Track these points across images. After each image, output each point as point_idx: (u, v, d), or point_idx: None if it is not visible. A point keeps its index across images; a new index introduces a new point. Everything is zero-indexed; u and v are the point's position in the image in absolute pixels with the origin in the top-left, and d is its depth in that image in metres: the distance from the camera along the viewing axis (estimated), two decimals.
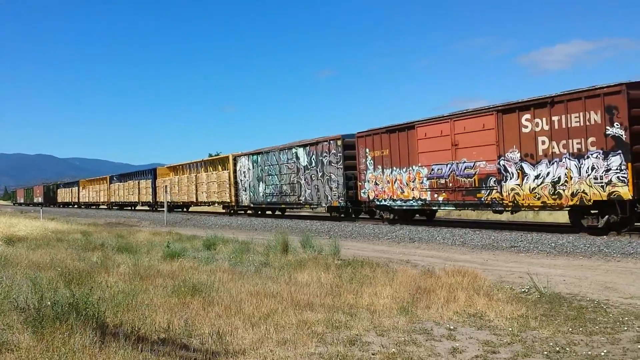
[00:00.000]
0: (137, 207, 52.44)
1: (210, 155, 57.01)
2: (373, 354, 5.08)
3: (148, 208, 47.81)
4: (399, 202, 19.97)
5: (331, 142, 23.85)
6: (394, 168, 20.07)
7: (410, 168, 19.25)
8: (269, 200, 29.20)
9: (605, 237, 13.55)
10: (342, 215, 24.63)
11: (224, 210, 36.79)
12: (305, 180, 25.71)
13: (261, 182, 29.78)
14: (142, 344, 5.01)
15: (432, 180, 18.30)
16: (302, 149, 26.18)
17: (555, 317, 6.37)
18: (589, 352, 5.05)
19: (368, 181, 21.55)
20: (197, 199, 38.25)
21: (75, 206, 71.13)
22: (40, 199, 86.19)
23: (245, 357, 5.02)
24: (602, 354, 5.00)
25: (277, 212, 32.56)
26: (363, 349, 5.25)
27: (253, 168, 30.75)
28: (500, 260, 11.84)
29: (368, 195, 21.60)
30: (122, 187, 53.82)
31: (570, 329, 5.85)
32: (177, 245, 13.81)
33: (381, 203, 20.96)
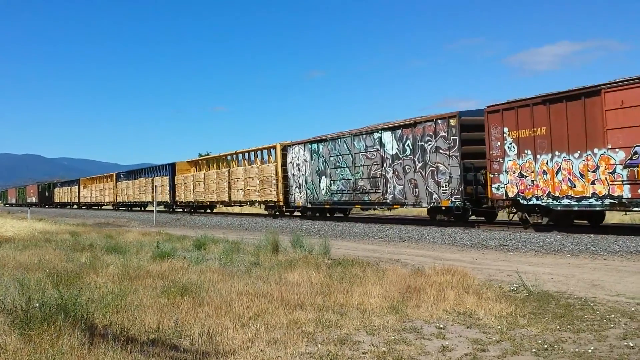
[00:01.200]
0: (148, 208, 47.16)
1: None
2: (363, 353, 5.09)
3: (164, 209, 42.22)
4: (565, 201, 14.49)
5: (439, 122, 18.10)
6: (557, 153, 14.58)
7: (589, 152, 13.80)
8: (336, 199, 23.29)
9: (592, 235, 13.66)
10: (452, 219, 18.91)
11: (266, 212, 30.54)
12: (394, 172, 19.88)
13: (324, 177, 24.00)
14: (132, 344, 4.99)
15: (635, 170, 12.97)
16: (389, 133, 20.16)
17: (544, 315, 6.43)
18: (577, 349, 5.10)
19: (506, 172, 15.99)
20: (230, 197, 32.50)
21: (75, 207, 66.19)
22: (34, 199, 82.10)
23: (235, 357, 5.01)
24: (590, 351, 5.05)
25: (338, 214, 26.42)
26: (353, 348, 5.27)
27: (312, 159, 24.87)
28: (489, 259, 11.92)
29: (505, 192, 16.02)
30: (132, 185, 48.10)
31: (558, 327, 5.90)
32: (167, 245, 13.75)
33: (530, 202, 15.45)
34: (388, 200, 20.26)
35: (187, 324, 6.02)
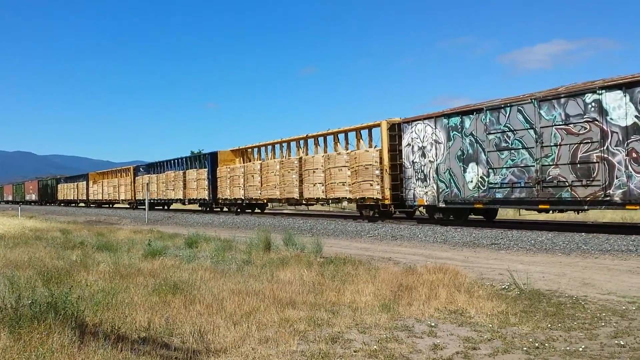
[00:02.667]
0: (174, 206, 41.42)
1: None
2: (355, 351, 5.09)
3: (200, 207, 35.96)
4: None
5: None
6: None
7: None
8: (499, 195, 16.13)
9: (583, 234, 13.72)
10: None
11: (358, 213, 23.34)
12: (629, 154, 12.96)
13: (472, 164, 17.01)
14: (122, 343, 4.95)
15: None
16: (618, 93, 13.16)
17: (535, 313, 6.45)
18: (568, 348, 5.12)
19: None
20: (301, 194, 25.01)
21: (82, 205, 59.64)
22: (34, 196, 74.83)
23: (226, 355, 5.00)
24: (580, 349, 5.07)
25: (473, 216, 19.77)
26: (345, 346, 5.26)
27: (450, 140, 17.83)
28: (481, 257, 11.96)
29: None
30: (155, 180, 40.58)
31: (549, 325, 5.93)
32: (159, 243, 13.70)
33: None
34: (615, 198, 13.25)
35: (179, 322, 5.99)
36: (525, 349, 5.12)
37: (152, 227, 24.41)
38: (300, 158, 25.43)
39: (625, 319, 6.18)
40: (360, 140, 22.53)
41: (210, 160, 33.28)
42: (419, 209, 20.31)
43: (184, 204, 37.17)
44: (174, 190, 37.57)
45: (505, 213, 24.59)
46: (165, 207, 42.39)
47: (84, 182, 57.65)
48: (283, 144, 27.77)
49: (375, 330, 5.80)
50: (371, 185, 20.75)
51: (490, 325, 5.93)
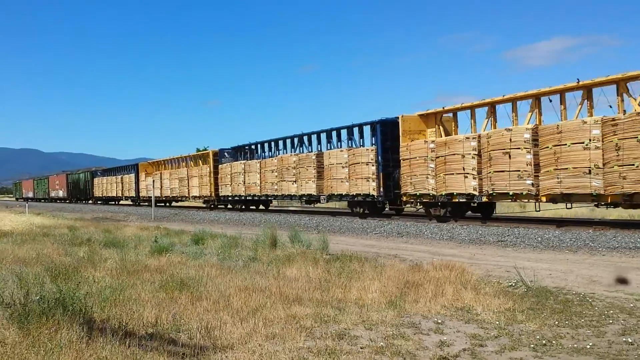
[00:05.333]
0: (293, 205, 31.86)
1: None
2: (361, 348, 5.09)
3: (366, 212, 22.17)
4: None
5: None
6: None
7: None
8: None
9: (591, 230, 13.65)
10: None
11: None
12: None
13: None
14: (130, 339, 4.98)
15: None
16: None
17: (542, 311, 6.43)
18: (575, 345, 5.10)
19: None
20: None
21: (129, 202, 48.59)
22: (61, 193, 64.26)
23: (233, 351, 5.01)
24: (588, 346, 5.05)
25: None
26: (351, 342, 5.26)
27: None
28: (487, 254, 11.93)
29: None
30: (256, 168, 28.32)
31: (557, 322, 5.91)
32: (165, 240, 13.75)
33: None
34: None
35: (185, 319, 6.01)
36: (532, 346, 5.10)
37: (159, 223, 24.49)
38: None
39: (633, 316, 6.15)
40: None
41: (382, 132, 20.76)
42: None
43: (324, 201, 24.37)
44: (290, 181, 25.52)
45: (510, 210, 24.52)
46: (258, 208, 31.17)
47: (132, 175, 46.10)
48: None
49: (382, 327, 5.80)
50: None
51: (497, 323, 5.91)
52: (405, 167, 19.53)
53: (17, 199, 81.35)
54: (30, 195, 79.13)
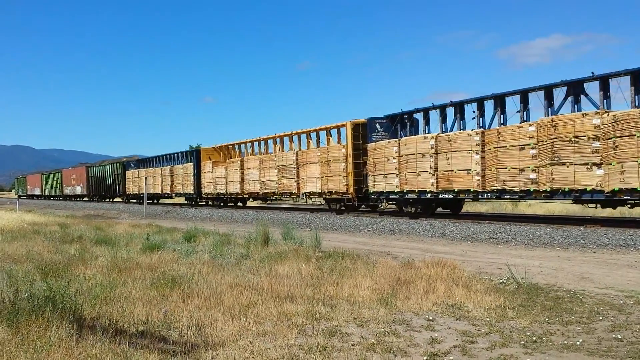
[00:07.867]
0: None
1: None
2: (353, 345, 5.10)
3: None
4: None
5: None
6: None
7: None
8: None
9: (582, 228, 13.73)
10: None
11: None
12: None
13: None
14: (120, 336, 4.96)
15: None
16: None
17: (533, 308, 6.46)
18: (565, 342, 5.13)
19: None
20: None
21: (184, 200, 37.21)
22: (79, 189, 53.59)
23: (224, 348, 5.00)
24: (578, 343, 5.08)
25: None
26: (343, 340, 5.27)
27: None
28: (479, 251, 11.97)
29: None
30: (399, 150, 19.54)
31: (547, 319, 5.94)
32: (157, 237, 13.69)
33: None
34: None
35: (177, 316, 5.99)
36: (522, 342, 5.12)
37: (151, 221, 24.40)
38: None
39: (622, 313, 6.19)
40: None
41: None
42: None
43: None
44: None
45: (504, 208, 24.59)
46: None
47: (189, 164, 34.69)
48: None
49: (373, 324, 5.80)
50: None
51: (488, 319, 5.94)
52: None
53: (19, 197, 65.66)
54: (38, 192, 68.27)
